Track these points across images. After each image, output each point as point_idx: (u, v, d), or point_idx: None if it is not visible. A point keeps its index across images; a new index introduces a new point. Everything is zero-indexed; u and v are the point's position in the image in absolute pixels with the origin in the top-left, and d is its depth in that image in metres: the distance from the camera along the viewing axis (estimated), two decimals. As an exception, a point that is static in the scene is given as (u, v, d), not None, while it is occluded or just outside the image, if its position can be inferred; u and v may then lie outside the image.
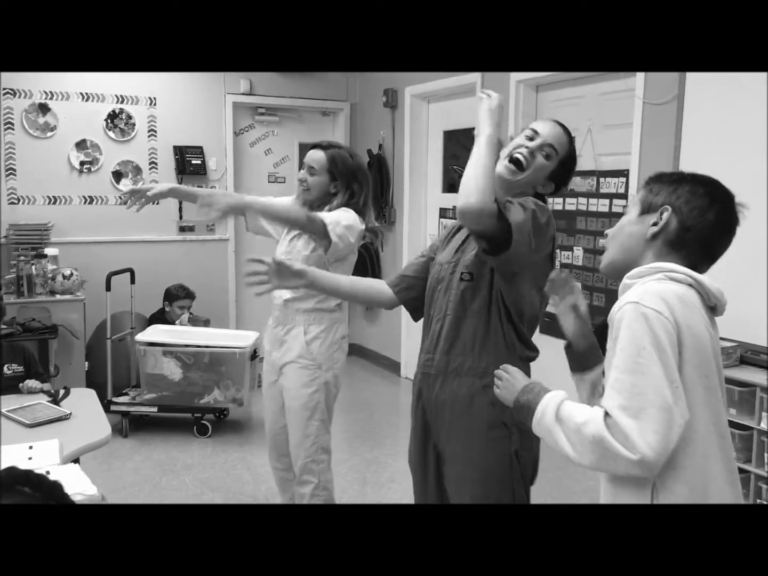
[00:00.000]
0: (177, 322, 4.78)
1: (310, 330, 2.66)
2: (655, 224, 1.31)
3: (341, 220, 2.54)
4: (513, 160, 1.82)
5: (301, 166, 2.76)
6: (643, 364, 1.16)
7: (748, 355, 2.97)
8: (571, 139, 1.92)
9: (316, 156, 2.64)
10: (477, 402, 1.81)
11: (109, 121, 5.23)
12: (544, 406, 1.30)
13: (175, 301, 4.86)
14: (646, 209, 1.34)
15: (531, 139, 1.84)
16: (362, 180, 2.68)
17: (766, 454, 2.72)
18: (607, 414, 1.18)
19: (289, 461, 2.84)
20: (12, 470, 0.97)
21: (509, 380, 1.44)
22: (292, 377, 2.67)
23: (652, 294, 1.21)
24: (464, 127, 4.95)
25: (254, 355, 4.35)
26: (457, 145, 5.20)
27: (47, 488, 0.97)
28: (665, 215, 1.30)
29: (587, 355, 1.48)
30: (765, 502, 2.72)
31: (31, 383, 2.89)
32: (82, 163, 5.17)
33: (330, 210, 2.61)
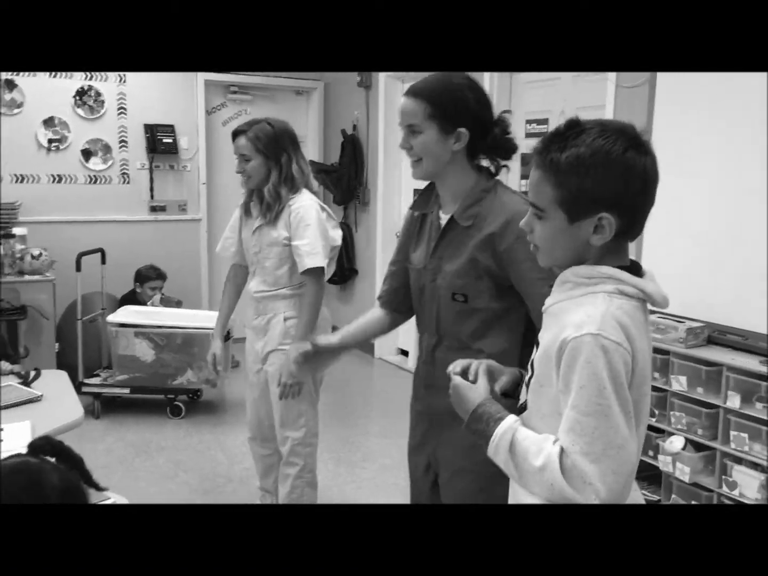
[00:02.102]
0: (149, 303, 4.73)
1: (289, 317, 2.66)
2: (595, 230, 1.16)
3: (312, 246, 2.56)
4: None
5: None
6: (604, 405, 1.11)
7: (715, 335, 3.03)
8: (441, 81, 1.65)
9: (242, 142, 2.61)
10: None
11: (77, 98, 5.12)
12: (495, 444, 1.22)
13: (147, 282, 4.81)
14: (575, 215, 1.16)
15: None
16: (286, 144, 2.64)
17: (731, 432, 2.79)
18: (563, 452, 1.13)
19: (273, 446, 2.85)
20: (48, 439, 0.99)
21: (458, 395, 1.34)
22: (277, 364, 2.66)
23: (609, 321, 1.12)
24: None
25: (227, 336, 4.33)
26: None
27: (73, 462, 0.99)
28: (607, 223, 1.15)
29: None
30: (730, 478, 2.80)
31: (3, 365, 2.85)
32: (50, 141, 5.07)
33: (269, 192, 2.58)
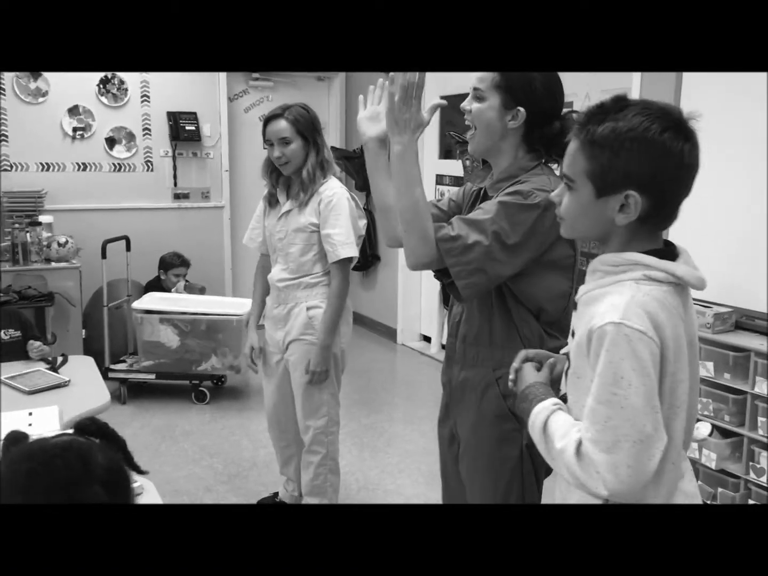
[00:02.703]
0: (173, 289, 4.77)
1: (311, 306, 2.65)
2: (621, 208, 1.15)
3: (346, 236, 2.57)
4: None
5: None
6: (620, 395, 1.08)
7: (743, 321, 2.98)
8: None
9: (281, 125, 2.56)
10: (489, 393, 1.74)
11: (101, 86, 5.16)
12: (532, 422, 1.24)
13: (171, 269, 4.84)
14: (602, 189, 1.15)
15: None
16: (319, 127, 2.65)
17: (759, 418, 2.76)
18: (581, 443, 1.13)
19: (290, 437, 2.87)
20: (94, 420, 1.01)
21: (518, 379, 1.36)
22: (298, 353, 2.67)
23: (635, 309, 1.10)
24: (461, 93, 4.90)
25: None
26: (454, 111, 5.14)
27: (117, 444, 1.01)
28: (632, 202, 1.13)
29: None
30: (758, 465, 2.76)
31: (37, 344, 2.88)
32: (74, 129, 5.11)
33: (308, 175, 2.56)
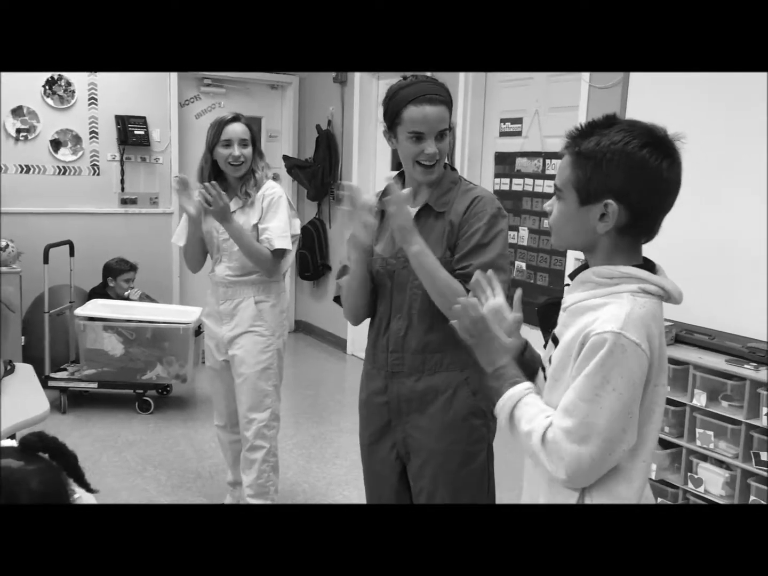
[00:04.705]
0: (127, 295, 4.67)
1: (260, 300, 2.75)
2: (601, 217, 1.21)
3: (282, 229, 2.68)
4: (424, 165, 1.78)
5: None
6: (603, 397, 1.16)
7: (683, 334, 3.07)
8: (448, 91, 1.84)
9: (241, 128, 2.72)
10: (459, 394, 1.80)
11: (47, 87, 5.03)
12: (502, 404, 1.29)
13: (120, 275, 4.74)
14: (585, 198, 1.22)
15: (419, 139, 1.75)
16: (257, 134, 2.87)
17: (697, 430, 2.84)
18: (551, 425, 1.20)
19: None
20: (41, 435, 0.96)
21: (487, 343, 1.34)
22: (246, 345, 2.74)
23: (634, 321, 1.17)
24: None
25: (198, 330, 4.29)
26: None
27: (66, 460, 0.96)
28: (611, 210, 1.20)
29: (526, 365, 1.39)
30: (696, 476, 2.84)
31: None
32: (18, 131, 4.97)
33: (261, 179, 2.73)
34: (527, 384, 1.30)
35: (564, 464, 1.18)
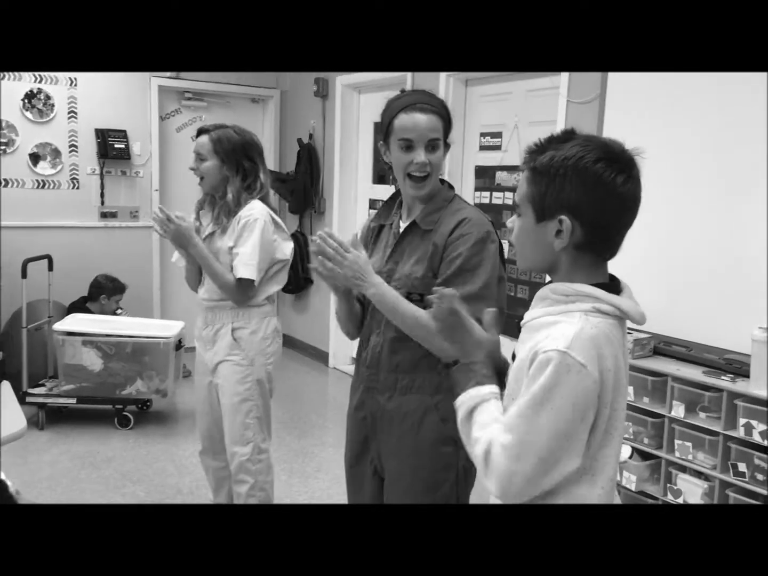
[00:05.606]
0: (118, 314, 4.69)
1: (237, 327, 2.62)
2: (557, 234, 1.20)
3: (249, 257, 2.51)
4: (414, 178, 1.76)
5: None
6: (542, 416, 1.13)
7: (661, 346, 3.10)
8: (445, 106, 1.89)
9: (202, 140, 2.59)
10: (428, 419, 1.76)
11: (26, 101, 5.01)
12: (462, 402, 1.29)
13: (113, 295, 4.74)
14: (541, 215, 1.21)
15: (409, 148, 1.75)
16: (253, 154, 2.62)
17: (676, 441, 2.86)
18: (492, 442, 1.19)
19: (225, 458, 2.79)
20: None
21: (464, 333, 1.33)
22: (224, 375, 2.63)
23: (582, 341, 1.14)
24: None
25: (179, 345, 4.27)
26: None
27: None
28: (565, 226, 1.18)
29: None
30: (675, 486, 2.86)
31: None
32: (-4, 144, 4.94)
33: (232, 198, 2.55)
34: (493, 388, 1.28)
35: (496, 479, 1.17)
